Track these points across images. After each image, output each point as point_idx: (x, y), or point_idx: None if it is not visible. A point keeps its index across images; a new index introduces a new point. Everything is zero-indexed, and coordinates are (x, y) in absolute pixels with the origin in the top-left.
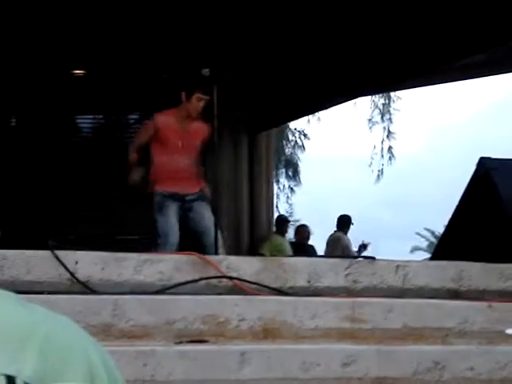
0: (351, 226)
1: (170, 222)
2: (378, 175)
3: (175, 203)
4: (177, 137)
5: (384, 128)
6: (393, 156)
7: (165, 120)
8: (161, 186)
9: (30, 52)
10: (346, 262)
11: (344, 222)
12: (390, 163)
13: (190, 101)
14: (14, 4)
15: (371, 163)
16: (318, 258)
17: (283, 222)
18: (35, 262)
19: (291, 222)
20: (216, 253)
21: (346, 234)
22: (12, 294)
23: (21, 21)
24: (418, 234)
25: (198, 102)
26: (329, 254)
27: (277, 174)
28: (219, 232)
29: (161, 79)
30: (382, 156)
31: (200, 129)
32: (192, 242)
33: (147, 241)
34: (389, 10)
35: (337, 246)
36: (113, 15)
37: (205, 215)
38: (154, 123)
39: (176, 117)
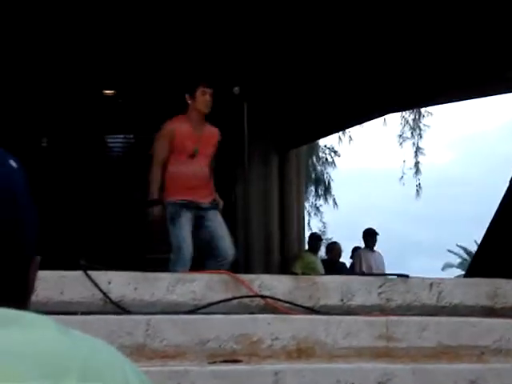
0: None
1: (183, 234)
2: (410, 191)
3: (189, 212)
4: (192, 142)
5: (414, 144)
6: (421, 172)
7: (179, 126)
8: (174, 194)
9: (61, 73)
10: (379, 279)
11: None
12: (421, 179)
13: (195, 99)
14: (45, 27)
15: (402, 179)
16: (351, 276)
17: (316, 239)
18: (68, 283)
19: (323, 240)
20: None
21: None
22: (50, 320)
23: (52, 43)
24: (450, 251)
25: (203, 95)
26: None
27: (307, 192)
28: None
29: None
30: (416, 172)
31: (213, 133)
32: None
33: None
34: (418, 28)
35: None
36: (142, 36)
37: (221, 223)
38: (169, 131)
39: (188, 121)
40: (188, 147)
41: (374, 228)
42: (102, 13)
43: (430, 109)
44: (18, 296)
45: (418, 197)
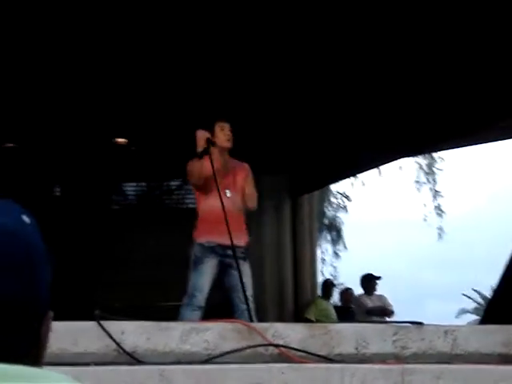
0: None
1: (201, 281)
2: (425, 236)
3: (215, 258)
4: (220, 178)
5: (430, 189)
6: (442, 215)
7: (206, 163)
8: (203, 235)
9: (73, 121)
10: (393, 327)
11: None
12: (442, 223)
13: (214, 136)
14: (57, 75)
15: (422, 224)
16: (365, 323)
17: (329, 286)
18: (82, 334)
19: (336, 286)
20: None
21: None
22: (63, 376)
23: (64, 91)
24: (465, 295)
25: (222, 131)
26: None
27: (320, 237)
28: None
29: None
30: (440, 215)
31: (241, 166)
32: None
33: None
34: (429, 74)
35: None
36: (151, 85)
37: (247, 274)
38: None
39: (214, 160)
40: (215, 182)
41: (374, 273)
42: (114, 63)
43: (441, 154)
44: (32, 352)
45: (440, 239)
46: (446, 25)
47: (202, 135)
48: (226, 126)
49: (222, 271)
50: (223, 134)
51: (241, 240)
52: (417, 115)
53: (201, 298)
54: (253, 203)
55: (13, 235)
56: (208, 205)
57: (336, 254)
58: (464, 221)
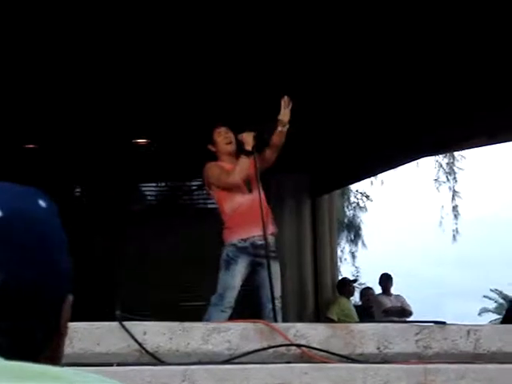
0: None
1: (233, 282)
2: (446, 235)
3: (247, 258)
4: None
5: (450, 188)
6: (459, 215)
7: (220, 165)
8: (235, 234)
9: (93, 122)
10: (416, 327)
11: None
12: (457, 223)
13: (215, 144)
14: (77, 77)
15: (440, 223)
16: (387, 323)
17: (347, 284)
18: (104, 334)
19: (355, 284)
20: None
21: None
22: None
23: (83, 91)
24: (486, 296)
25: (219, 136)
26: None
27: (339, 237)
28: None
29: None
30: (454, 216)
31: (250, 161)
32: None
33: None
34: (452, 72)
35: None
36: (173, 85)
37: (277, 273)
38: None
39: (226, 163)
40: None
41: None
42: (135, 63)
43: (462, 153)
44: (54, 339)
45: (454, 241)
46: (464, 18)
47: (248, 134)
48: (223, 130)
49: (252, 270)
50: (223, 139)
51: (273, 230)
52: (438, 113)
53: (231, 298)
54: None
55: (27, 220)
56: (236, 203)
57: (355, 254)
58: (483, 220)
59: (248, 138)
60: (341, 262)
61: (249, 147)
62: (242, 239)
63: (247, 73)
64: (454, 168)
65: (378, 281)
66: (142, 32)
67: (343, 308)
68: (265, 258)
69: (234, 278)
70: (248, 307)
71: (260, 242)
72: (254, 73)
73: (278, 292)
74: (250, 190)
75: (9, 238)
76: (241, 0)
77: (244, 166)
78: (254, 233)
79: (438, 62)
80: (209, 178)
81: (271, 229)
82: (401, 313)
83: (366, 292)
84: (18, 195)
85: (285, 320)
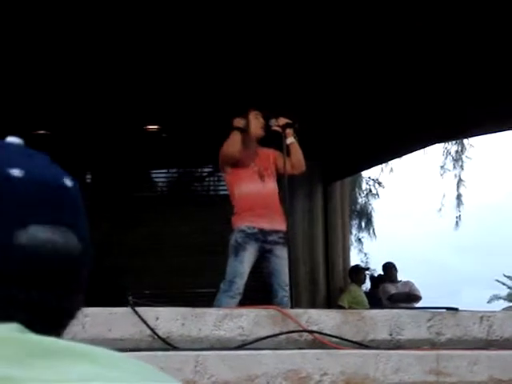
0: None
1: (242, 268)
2: (457, 222)
3: (256, 244)
4: (252, 162)
5: (455, 175)
6: (462, 203)
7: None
8: (244, 219)
9: (104, 109)
10: (428, 313)
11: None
12: (462, 211)
13: (248, 124)
14: (87, 64)
15: (445, 210)
16: (399, 309)
17: (360, 271)
18: (116, 319)
19: (367, 272)
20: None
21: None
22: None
23: (94, 78)
24: (498, 280)
25: (255, 119)
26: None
27: (351, 224)
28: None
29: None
30: (457, 204)
31: (270, 153)
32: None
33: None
34: (460, 59)
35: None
36: (184, 71)
37: (285, 260)
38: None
39: (243, 147)
40: (248, 165)
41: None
42: (146, 49)
43: (471, 141)
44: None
45: (457, 228)
46: (471, 11)
47: (238, 119)
48: (260, 115)
49: (262, 256)
50: (258, 122)
51: (282, 224)
52: (448, 100)
53: (240, 284)
54: (300, 168)
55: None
56: (245, 189)
57: (365, 241)
58: (493, 207)
59: (254, 120)
60: (354, 249)
61: (239, 124)
62: (250, 225)
63: (257, 60)
64: (462, 156)
65: (382, 270)
66: (153, 19)
67: (354, 295)
68: (274, 244)
69: (243, 264)
70: (261, 292)
71: (269, 229)
72: (264, 61)
73: (286, 277)
74: (262, 180)
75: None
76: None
77: (234, 139)
78: (262, 223)
79: (447, 50)
80: (219, 158)
81: (283, 222)
82: (407, 298)
83: (377, 279)
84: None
85: (297, 307)
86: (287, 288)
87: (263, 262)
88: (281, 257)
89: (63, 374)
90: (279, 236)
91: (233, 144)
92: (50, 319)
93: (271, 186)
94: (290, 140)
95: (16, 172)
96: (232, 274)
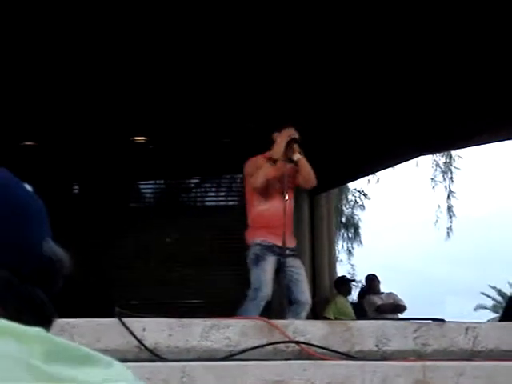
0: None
1: (266, 277)
2: (442, 234)
3: (273, 257)
4: (278, 181)
5: (446, 187)
6: (454, 214)
7: (259, 162)
8: (259, 235)
9: (91, 120)
10: (414, 324)
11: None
12: (453, 222)
13: (281, 136)
14: (75, 74)
15: (434, 221)
16: (386, 320)
17: (346, 282)
18: (104, 330)
19: (353, 283)
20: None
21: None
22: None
23: (81, 89)
24: (484, 293)
25: (288, 133)
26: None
27: (337, 235)
28: None
29: (221, 143)
30: (448, 215)
31: (292, 169)
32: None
33: (209, 305)
34: (450, 73)
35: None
36: (171, 83)
37: (302, 271)
38: (260, 163)
39: (269, 160)
40: (271, 183)
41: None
42: (133, 61)
43: (460, 152)
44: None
45: (448, 239)
46: (466, 20)
47: (283, 141)
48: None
49: (279, 269)
50: (289, 149)
51: (293, 242)
52: (436, 112)
53: (266, 291)
54: (311, 182)
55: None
56: (266, 206)
57: (352, 252)
58: (483, 218)
59: (279, 145)
60: (338, 260)
61: (276, 155)
62: (266, 240)
63: (246, 72)
64: (451, 167)
65: (364, 282)
66: (140, 31)
67: (340, 306)
68: (287, 257)
69: (266, 272)
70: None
71: (282, 245)
72: (253, 71)
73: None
74: (284, 198)
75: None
76: (243, 2)
77: (266, 172)
78: (276, 240)
79: (436, 62)
80: (245, 172)
81: (294, 240)
82: (393, 308)
83: (365, 292)
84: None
85: (282, 318)
86: (309, 299)
87: (280, 274)
88: (296, 266)
89: (89, 374)
90: (291, 249)
91: (264, 176)
92: (43, 313)
93: (290, 204)
94: (297, 156)
95: (28, 187)
96: (257, 282)
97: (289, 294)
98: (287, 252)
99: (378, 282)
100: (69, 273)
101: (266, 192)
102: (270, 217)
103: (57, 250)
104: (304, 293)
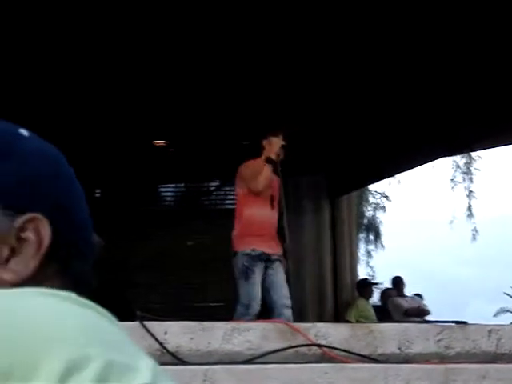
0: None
1: (255, 290)
2: (462, 235)
3: (262, 264)
4: (269, 188)
5: (465, 188)
6: (474, 216)
7: (261, 165)
8: (249, 244)
9: (112, 124)
10: (437, 327)
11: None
12: (474, 223)
13: (271, 143)
14: (95, 78)
15: (454, 223)
16: (408, 323)
17: (368, 285)
18: None
19: (375, 286)
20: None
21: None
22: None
23: (103, 93)
24: (506, 293)
25: (279, 141)
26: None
27: (358, 238)
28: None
29: (240, 146)
30: (469, 216)
31: (277, 181)
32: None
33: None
34: (467, 74)
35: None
36: (191, 86)
37: (282, 274)
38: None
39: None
40: (263, 191)
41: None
42: (155, 64)
43: (479, 153)
44: None
45: (473, 240)
46: (483, 17)
47: (279, 141)
48: (280, 139)
49: (264, 273)
50: (281, 151)
51: (280, 249)
52: (455, 113)
53: (256, 306)
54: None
55: None
56: (256, 214)
57: (374, 254)
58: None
59: (276, 144)
60: (362, 263)
61: (272, 155)
62: (255, 248)
63: (264, 74)
64: (471, 168)
65: (390, 284)
66: (162, 34)
67: (362, 309)
68: (273, 262)
69: (255, 286)
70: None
71: (269, 252)
72: (273, 75)
73: (287, 291)
74: (271, 207)
75: None
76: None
77: (266, 175)
78: (264, 247)
79: (457, 62)
80: (240, 177)
81: (279, 249)
82: (420, 313)
83: (387, 293)
84: None
85: (305, 320)
86: (288, 301)
87: (264, 278)
88: (277, 270)
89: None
90: (277, 255)
91: (265, 179)
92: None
93: (275, 213)
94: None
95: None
96: (247, 297)
97: (267, 297)
98: (273, 258)
99: (404, 284)
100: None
101: (258, 198)
102: (259, 225)
103: (95, 236)
104: (282, 298)
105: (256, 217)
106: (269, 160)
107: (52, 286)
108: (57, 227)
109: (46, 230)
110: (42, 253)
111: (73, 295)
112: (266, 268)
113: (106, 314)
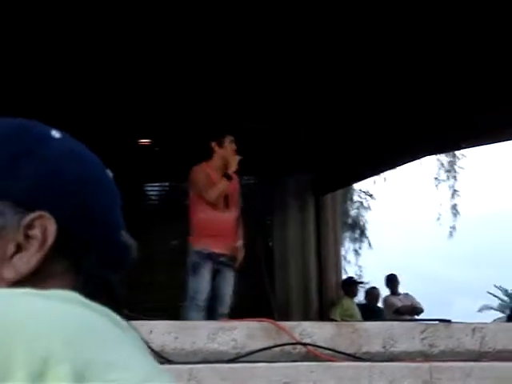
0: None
1: (201, 284)
2: (447, 233)
3: (210, 262)
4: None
5: (450, 186)
6: (459, 213)
7: (207, 172)
8: (203, 243)
9: (96, 123)
10: (421, 325)
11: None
12: (458, 221)
13: (224, 148)
14: (78, 75)
15: (439, 221)
16: (393, 321)
17: (353, 284)
18: None
19: (361, 285)
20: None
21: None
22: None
23: (86, 91)
24: (490, 293)
25: (231, 144)
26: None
27: (343, 236)
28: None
29: None
30: (453, 214)
31: (236, 181)
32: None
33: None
34: (453, 72)
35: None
36: (175, 85)
37: (231, 283)
38: (205, 173)
39: (213, 169)
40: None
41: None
42: (139, 64)
43: (464, 151)
44: None
45: (451, 238)
46: (472, 19)
47: (236, 158)
48: (233, 140)
49: (213, 275)
50: (233, 148)
51: (234, 250)
52: (439, 112)
53: (203, 299)
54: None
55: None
56: (209, 215)
57: (359, 253)
58: (487, 217)
59: (233, 161)
60: (345, 260)
61: (232, 169)
62: (206, 247)
63: (249, 72)
64: (455, 167)
65: (384, 282)
66: (146, 33)
67: (346, 308)
68: (223, 266)
69: (203, 280)
70: (252, 303)
71: (219, 252)
72: (256, 71)
73: (229, 299)
74: (227, 207)
75: None
76: (246, 5)
77: (223, 189)
78: (215, 247)
79: (440, 62)
80: (193, 181)
81: (233, 249)
82: (412, 311)
83: (372, 292)
84: None
85: (290, 319)
86: (227, 310)
87: (213, 281)
88: (225, 275)
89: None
90: (228, 259)
91: (220, 193)
92: (113, 299)
93: (232, 212)
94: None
95: (110, 173)
96: (194, 290)
97: (212, 300)
98: (224, 260)
99: (398, 282)
100: (133, 262)
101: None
102: (212, 225)
103: (128, 238)
104: (223, 305)
105: (209, 219)
106: (227, 176)
107: (60, 284)
108: (71, 227)
109: (52, 228)
110: (46, 250)
111: (67, 294)
112: (215, 270)
113: (105, 313)
